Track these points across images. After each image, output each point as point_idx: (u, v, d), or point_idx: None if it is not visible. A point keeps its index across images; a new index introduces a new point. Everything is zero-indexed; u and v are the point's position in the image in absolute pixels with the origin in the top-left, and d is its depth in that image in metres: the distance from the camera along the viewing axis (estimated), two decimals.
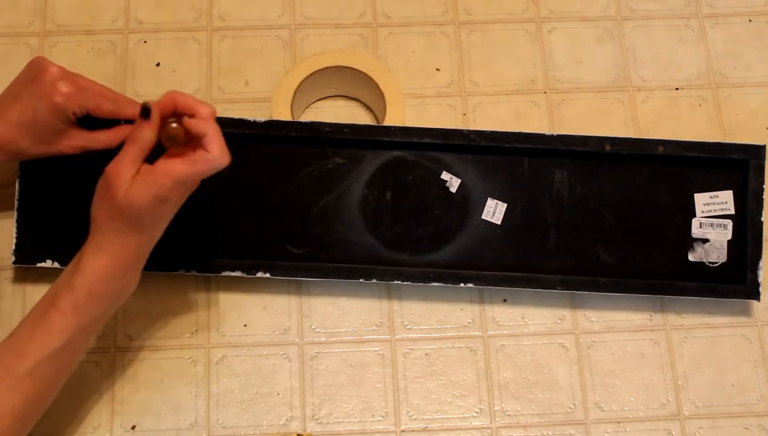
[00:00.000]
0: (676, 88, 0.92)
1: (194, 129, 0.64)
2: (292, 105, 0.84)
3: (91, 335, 0.70)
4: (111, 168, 0.65)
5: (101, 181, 0.66)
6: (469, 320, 0.83)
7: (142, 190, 0.64)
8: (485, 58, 0.93)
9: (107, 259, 0.66)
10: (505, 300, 0.83)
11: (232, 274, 0.79)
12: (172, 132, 0.65)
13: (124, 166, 0.64)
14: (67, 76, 0.70)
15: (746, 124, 0.91)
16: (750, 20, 0.95)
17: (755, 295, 0.81)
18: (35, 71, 0.70)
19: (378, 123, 0.88)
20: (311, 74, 0.85)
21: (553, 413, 0.80)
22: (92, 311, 0.67)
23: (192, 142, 0.65)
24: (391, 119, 0.84)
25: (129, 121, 0.70)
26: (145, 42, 0.92)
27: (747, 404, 0.81)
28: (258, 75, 0.91)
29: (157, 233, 0.69)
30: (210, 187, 0.81)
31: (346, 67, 0.86)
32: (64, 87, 0.69)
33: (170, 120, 0.65)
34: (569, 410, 0.80)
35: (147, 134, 0.65)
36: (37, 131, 0.70)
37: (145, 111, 0.65)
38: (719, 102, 0.91)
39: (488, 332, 0.82)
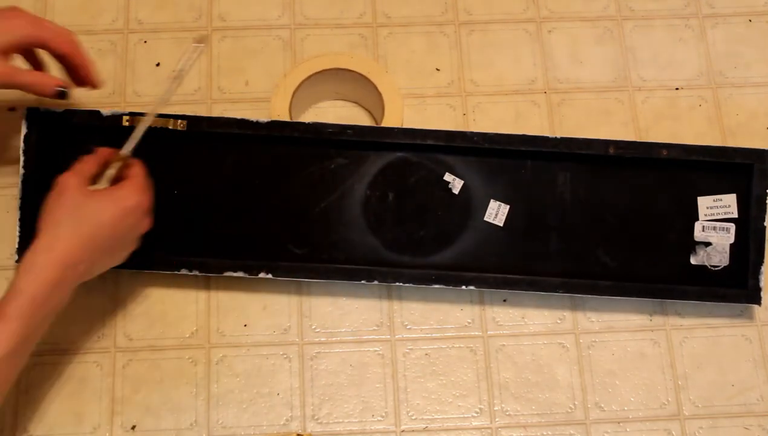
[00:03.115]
0: (676, 88, 0.92)
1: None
2: (290, 108, 0.84)
3: (32, 342, 0.68)
4: (64, 176, 0.70)
5: (54, 189, 0.69)
6: (470, 320, 0.83)
7: (103, 201, 0.70)
8: (485, 58, 0.93)
9: (56, 260, 0.66)
10: (505, 300, 0.83)
11: (234, 274, 0.79)
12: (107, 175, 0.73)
13: (75, 175, 0.70)
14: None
15: (746, 125, 0.91)
16: (750, 20, 0.95)
17: (756, 299, 0.81)
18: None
19: (376, 123, 0.88)
20: (309, 77, 0.85)
21: (553, 413, 0.80)
22: (35, 316, 0.66)
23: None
24: (389, 121, 0.84)
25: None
26: (145, 42, 0.92)
27: (747, 404, 0.81)
28: (258, 75, 0.91)
29: (106, 258, 0.71)
30: (212, 186, 0.81)
31: (343, 69, 0.85)
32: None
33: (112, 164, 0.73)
34: (569, 410, 0.80)
35: (89, 167, 0.72)
36: None
37: (61, 94, 0.74)
38: (719, 102, 0.91)
39: (488, 332, 0.82)
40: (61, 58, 0.75)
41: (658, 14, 0.95)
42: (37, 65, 0.78)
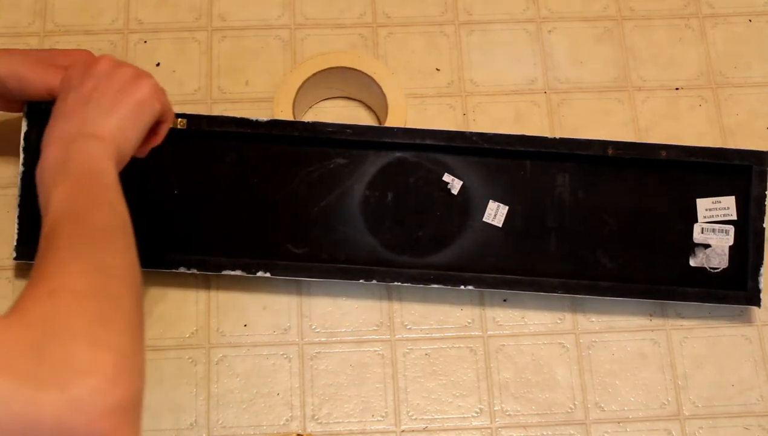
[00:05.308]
0: (676, 88, 0.92)
1: None
2: (293, 105, 0.84)
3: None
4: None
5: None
6: (469, 320, 0.83)
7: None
8: (485, 58, 0.92)
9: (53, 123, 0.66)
10: (505, 300, 0.83)
11: (233, 273, 0.79)
12: None
13: None
14: None
15: (746, 124, 0.91)
16: (750, 20, 0.95)
17: (756, 301, 0.81)
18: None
19: (379, 124, 0.88)
20: (314, 75, 0.85)
21: (553, 413, 0.80)
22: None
23: None
24: (392, 121, 0.84)
25: None
26: (145, 42, 0.92)
27: (747, 404, 0.81)
28: (258, 75, 0.91)
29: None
30: (212, 185, 0.81)
31: (348, 68, 0.85)
32: None
33: None
34: (569, 410, 0.80)
35: None
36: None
37: None
38: (719, 102, 0.91)
39: (488, 332, 0.82)
40: None
41: (658, 14, 0.95)
42: None
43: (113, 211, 0.60)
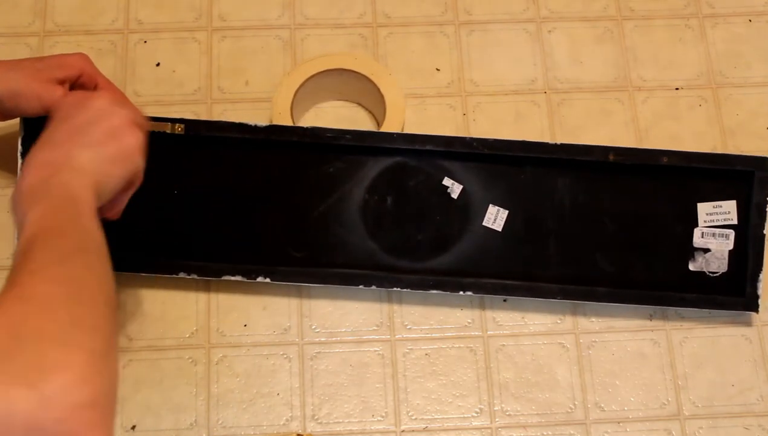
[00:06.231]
0: (676, 88, 0.92)
1: None
2: (292, 107, 0.84)
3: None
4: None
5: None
6: (469, 320, 0.83)
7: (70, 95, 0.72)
8: (485, 58, 0.92)
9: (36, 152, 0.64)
10: (505, 300, 0.83)
11: (233, 278, 0.79)
12: None
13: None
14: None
15: (746, 124, 0.91)
16: (750, 20, 0.95)
17: (754, 307, 0.80)
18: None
19: (378, 125, 0.88)
20: (312, 76, 0.85)
21: (553, 413, 0.80)
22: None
23: None
24: (391, 122, 0.84)
25: None
26: (145, 42, 0.92)
27: (747, 404, 0.81)
28: (258, 75, 0.91)
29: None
30: (211, 190, 0.81)
31: (346, 70, 0.85)
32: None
33: None
34: (569, 410, 0.80)
35: None
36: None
37: None
38: (719, 102, 0.91)
39: (488, 332, 0.82)
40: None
41: (658, 14, 0.95)
42: None
43: (88, 234, 0.59)
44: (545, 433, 0.79)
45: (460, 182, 0.81)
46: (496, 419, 0.79)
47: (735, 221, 0.81)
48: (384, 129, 0.83)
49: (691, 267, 0.82)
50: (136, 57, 0.91)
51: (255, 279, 0.79)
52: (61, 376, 0.46)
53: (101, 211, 0.65)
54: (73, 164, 0.63)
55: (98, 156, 0.64)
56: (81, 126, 0.66)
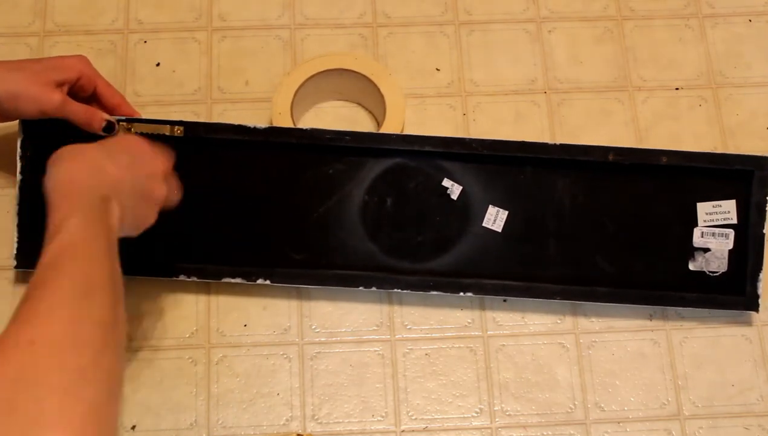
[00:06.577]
0: (676, 88, 0.92)
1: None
2: (292, 107, 0.84)
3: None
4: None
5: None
6: (469, 320, 0.83)
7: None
8: (485, 58, 0.92)
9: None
10: (505, 300, 0.83)
11: (233, 280, 0.79)
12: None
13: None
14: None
15: (746, 124, 0.91)
16: (750, 20, 0.95)
17: (754, 306, 0.80)
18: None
19: (377, 125, 0.88)
20: (312, 76, 0.85)
21: (553, 413, 0.80)
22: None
23: None
24: (391, 122, 0.84)
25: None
26: (145, 42, 0.92)
27: (747, 404, 0.81)
28: (258, 75, 0.91)
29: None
30: (211, 192, 0.81)
31: (347, 69, 0.85)
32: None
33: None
34: (569, 410, 0.80)
35: None
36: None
37: (109, 127, 0.77)
38: (719, 102, 0.91)
39: (488, 332, 0.82)
40: (101, 97, 0.79)
41: (658, 14, 0.95)
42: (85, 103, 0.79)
43: (111, 267, 0.59)
44: (545, 433, 0.79)
45: (459, 183, 0.81)
46: (496, 419, 0.79)
47: (735, 221, 0.81)
48: (384, 129, 0.83)
49: (691, 267, 0.82)
50: (136, 57, 0.91)
51: (255, 281, 0.79)
52: (55, 431, 0.47)
53: None
54: (120, 195, 0.64)
55: (133, 200, 0.66)
56: (125, 168, 0.66)
